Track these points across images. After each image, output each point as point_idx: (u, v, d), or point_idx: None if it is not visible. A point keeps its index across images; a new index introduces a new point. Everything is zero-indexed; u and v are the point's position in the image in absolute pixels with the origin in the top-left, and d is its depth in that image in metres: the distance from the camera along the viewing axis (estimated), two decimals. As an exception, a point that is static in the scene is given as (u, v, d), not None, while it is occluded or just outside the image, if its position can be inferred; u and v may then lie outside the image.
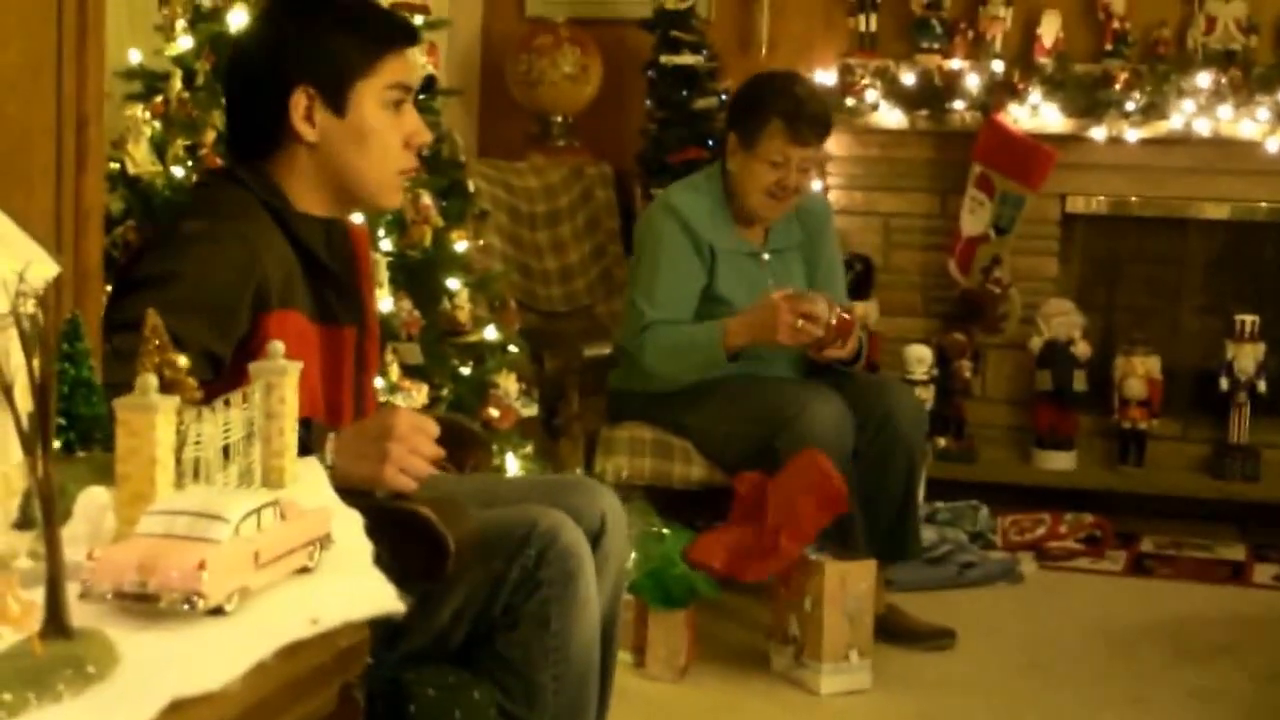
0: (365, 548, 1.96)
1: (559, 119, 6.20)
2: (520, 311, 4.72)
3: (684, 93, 5.88)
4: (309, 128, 2.66)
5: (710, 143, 5.65)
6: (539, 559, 2.70)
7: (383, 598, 1.84)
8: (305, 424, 2.45)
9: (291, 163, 2.70)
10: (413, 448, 2.51)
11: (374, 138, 2.69)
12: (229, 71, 2.80)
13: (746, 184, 4.62)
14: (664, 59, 5.92)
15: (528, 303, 5.11)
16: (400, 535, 2.48)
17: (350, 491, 2.37)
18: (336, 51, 2.67)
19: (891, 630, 4.50)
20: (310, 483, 2.14)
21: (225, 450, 1.95)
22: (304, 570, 1.80)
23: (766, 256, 4.74)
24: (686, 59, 5.91)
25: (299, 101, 2.65)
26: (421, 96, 4.30)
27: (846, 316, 4.48)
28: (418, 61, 3.01)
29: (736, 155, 4.64)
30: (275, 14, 2.78)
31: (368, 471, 2.49)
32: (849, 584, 4.21)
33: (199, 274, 2.53)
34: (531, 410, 4.34)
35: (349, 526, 1.98)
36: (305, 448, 2.38)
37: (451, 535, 2.51)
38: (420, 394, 3.93)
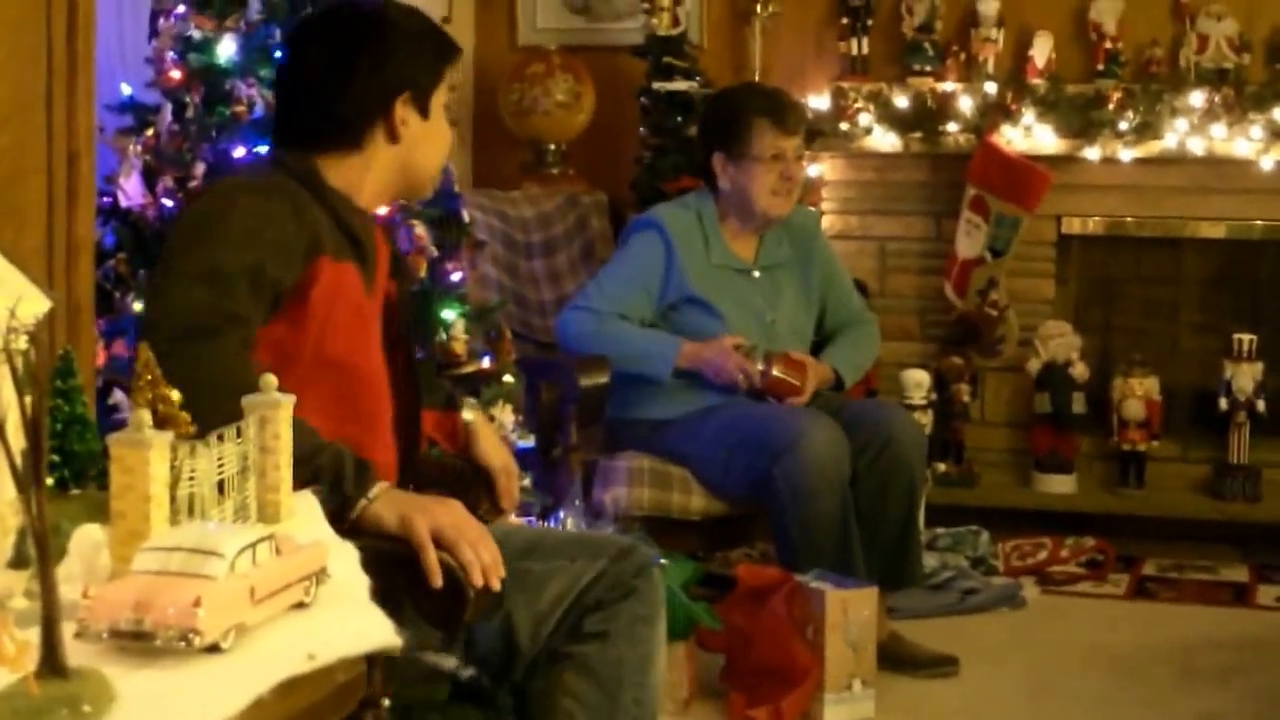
0: (362, 582, 1.95)
1: (553, 147, 6.20)
2: (516, 342, 4.72)
3: (678, 119, 5.89)
4: (404, 129, 2.89)
5: (705, 174, 5.65)
6: (639, 569, 2.87)
7: (380, 632, 1.83)
8: (363, 463, 2.56)
9: (368, 159, 2.89)
10: (454, 523, 2.55)
11: (440, 137, 2.98)
12: (303, 76, 2.92)
13: (751, 190, 4.66)
14: (657, 85, 5.92)
15: (524, 333, 5.11)
16: (419, 579, 2.47)
17: (371, 534, 2.41)
18: (425, 65, 2.93)
19: (894, 658, 4.49)
20: (306, 517, 2.13)
21: (220, 485, 1.94)
22: (300, 605, 1.79)
23: (757, 274, 4.77)
24: (679, 85, 5.92)
25: (400, 109, 2.88)
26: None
27: (779, 376, 4.57)
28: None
29: (728, 171, 4.68)
30: (363, 29, 2.93)
31: (401, 512, 2.53)
32: (851, 612, 4.20)
33: (250, 213, 2.68)
34: (529, 441, 4.34)
35: (345, 561, 1.97)
36: (341, 473, 2.47)
37: (472, 585, 2.49)
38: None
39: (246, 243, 2.62)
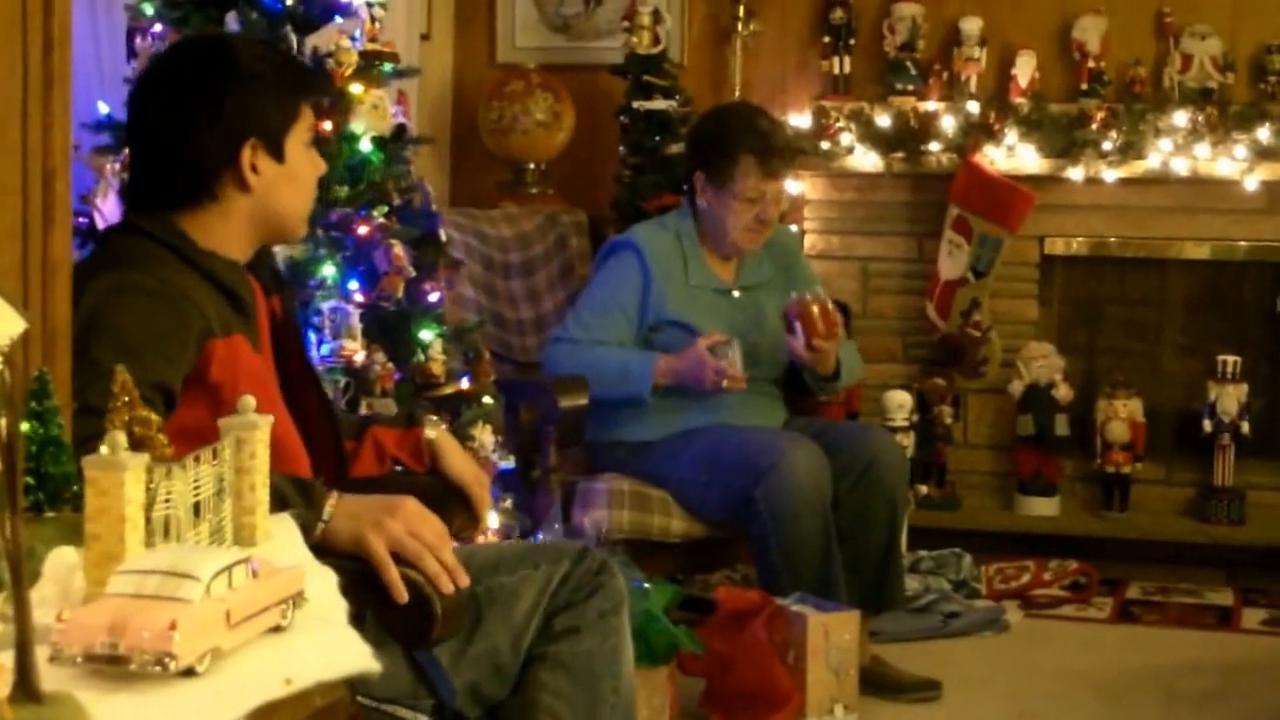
0: (339, 605, 1.95)
1: (532, 166, 6.21)
2: (495, 362, 4.73)
3: (657, 138, 5.89)
4: (255, 176, 2.78)
5: (685, 188, 5.66)
6: (600, 567, 2.88)
7: (357, 656, 1.83)
8: (305, 483, 2.54)
9: (225, 210, 2.79)
10: (411, 530, 2.55)
11: (302, 178, 2.86)
12: (145, 130, 2.85)
13: (725, 222, 4.67)
14: (636, 104, 5.93)
15: (502, 353, 5.11)
16: (387, 598, 2.48)
17: (340, 554, 2.41)
18: (274, 104, 2.81)
19: (876, 682, 4.49)
20: (283, 540, 2.13)
21: (196, 508, 1.94)
22: (277, 629, 1.79)
23: (737, 294, 4.78)
24: (659, 104, 5.92)
25: (246, 155, 2.77)
26: (393, 144, 4.32)
27: (813, 309, 4.61)
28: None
29: (707, 193, 4.69)
30: (198, 73, 2.84)
31: (355, 530, 2.52)
32: (832, 636, 4.20)
33: (128, 319, 2.59)
34: (508, 463, 4.34)
35: (322, 584, 1.97)
36: (287, 501, 2.40)
37: (439, 600, 2.50)
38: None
39: (129, 354, 2.41)
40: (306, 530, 2.41)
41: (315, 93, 2.93)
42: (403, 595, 2.51)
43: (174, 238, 2.75)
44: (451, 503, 2.96)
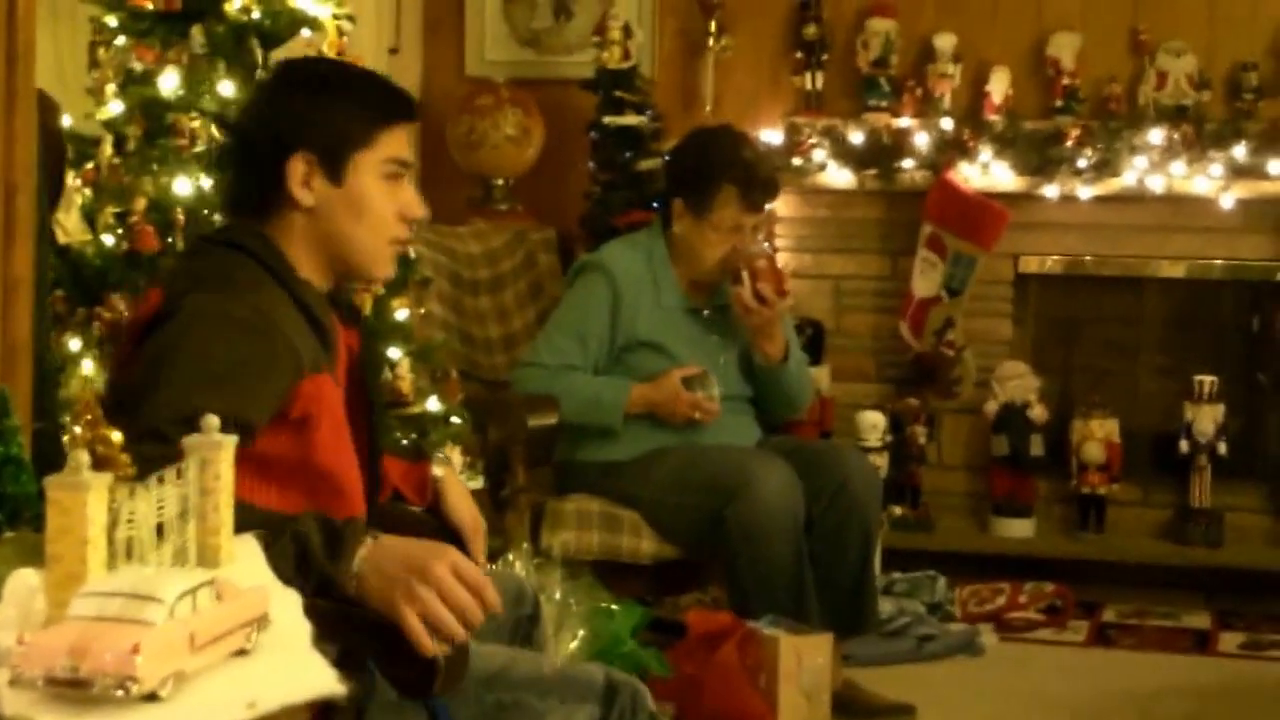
0: (304, 628, 1.95)
1: (501, 182, 6.20)
2: (463, 381, 4.72)
3: (627, 154, 5.90)
4: (306, 193, 2.72)
5: (655, 205, 5.67)
6: (632, 706, 2.70)
7: (322, 680, 1.83)
8: (335, 529, 2.40)
9: (288, 227, 2.75)
10: (447, 594, 2.37)
11: (369, 208, 2.76)
12: (230, 131, 2.86)
13: (701, 252, 4.67)
14: (607, 120, 5.93)
15: (471, 372, 5.11)
16: (390, 648, 2.42)
17: (343, 599, 2.32)
18: (337, 121, 2.74)
19: (849, 707, 4.49)
20: (247, 561, 2.12)
21: (159, 529, 1.93)
22: (241, 652, 1.79)
23: (708, 313, 4.77)
24: (630, 119, 5.93)
25: (296, 167, 2.71)
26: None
27: (764, 266, 4.61)
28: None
29: (685, 220, 4.67)
30: (277, 81, 2.87)
31: (387, 595, 2.35)
32: (805, 659, 4.19)
33: (220, 348, 2.54)
34: (476, 483, 4.33)
35: (287, 607, 1.97)
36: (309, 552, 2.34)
37: (442, 654, 2.45)
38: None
39: (211, 383, 2.45)
40: (330, 582, 2.32)
41: (398, 119, 2.83)
42: (430, 650, 2.36)
43: (272, 258, 2.71)
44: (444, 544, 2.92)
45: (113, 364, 2.63)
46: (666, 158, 5.14)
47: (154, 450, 2.15)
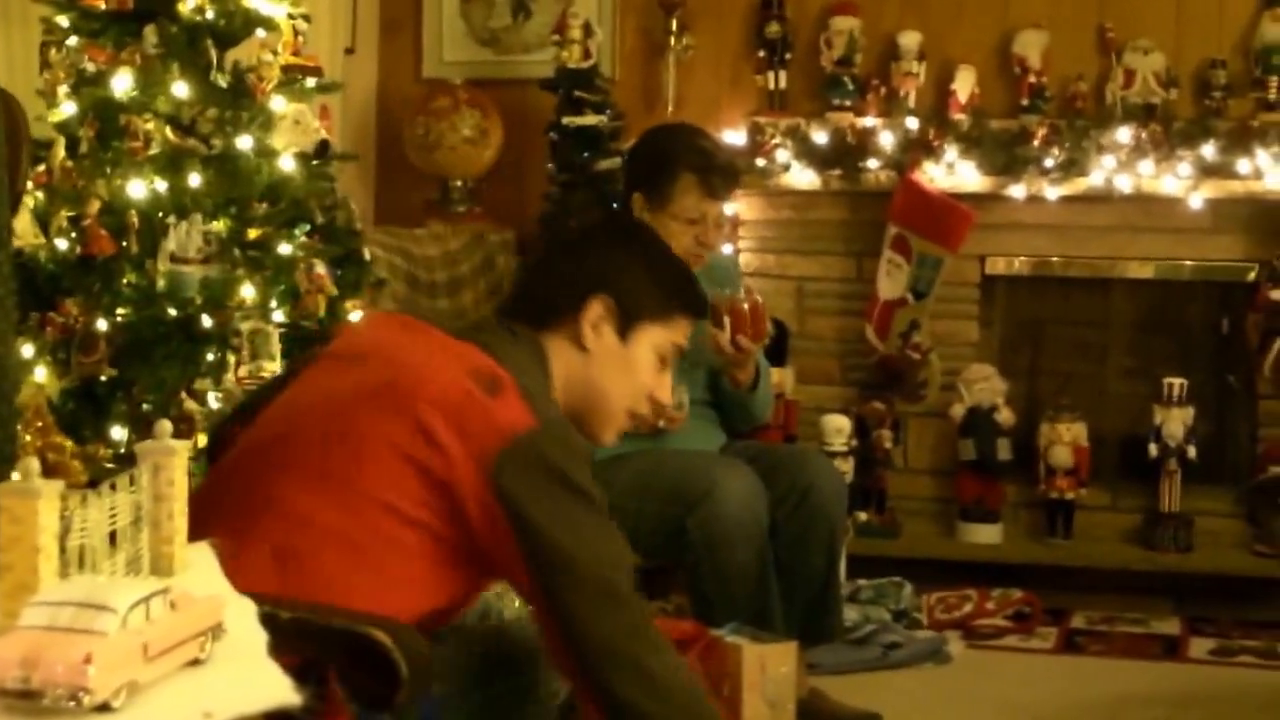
0: (260, 637, 1.95)
1: (458, 184, 6.21)
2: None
3: (587, 154, 5.91)
4: (593, 335, 2.84)
5: (615, 205, 5.68)
6: None
7: (278, 689, 1.83)
8: None
9: (558, 352, 2.85)
10: None
11: (635, 374, 2.90)
12: (549, 246, 3.00)
13: (668, 241, 4.65)
14: (566, 120, 5.95)
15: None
16: (353, 660, 2.46)
17: (306, 607, 2.39)
18: (649, 287, 2.90)
19: (815, 715, 4.47)
20: (201, 570, 2.13)
21: (112, 537, 1.94)
22: (195, 662, 1.80)
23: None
24: (590, 120, 5.94)
25: (596, 308, 2.84)
26: (315, 162, 4.32)
27: (741, 309, 4.60)
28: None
29: (645, 214, 4.67)
30: (614, 228, 3.15)
31: None
32: (769, 668, 4.19)
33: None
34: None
35: (242, 615, 1.98)
36: None
37: (406, 662, 2.49)
38: None
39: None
40: None
41: (693, 314, 3.00)
42: None
43: (547, 377, 2.81)
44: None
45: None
46: (624, 156, 5.13)
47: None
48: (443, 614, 2.67)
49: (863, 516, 5.96)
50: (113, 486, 1.95)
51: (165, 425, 2.08)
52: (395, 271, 5.24)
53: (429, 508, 2.54)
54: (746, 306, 4.60)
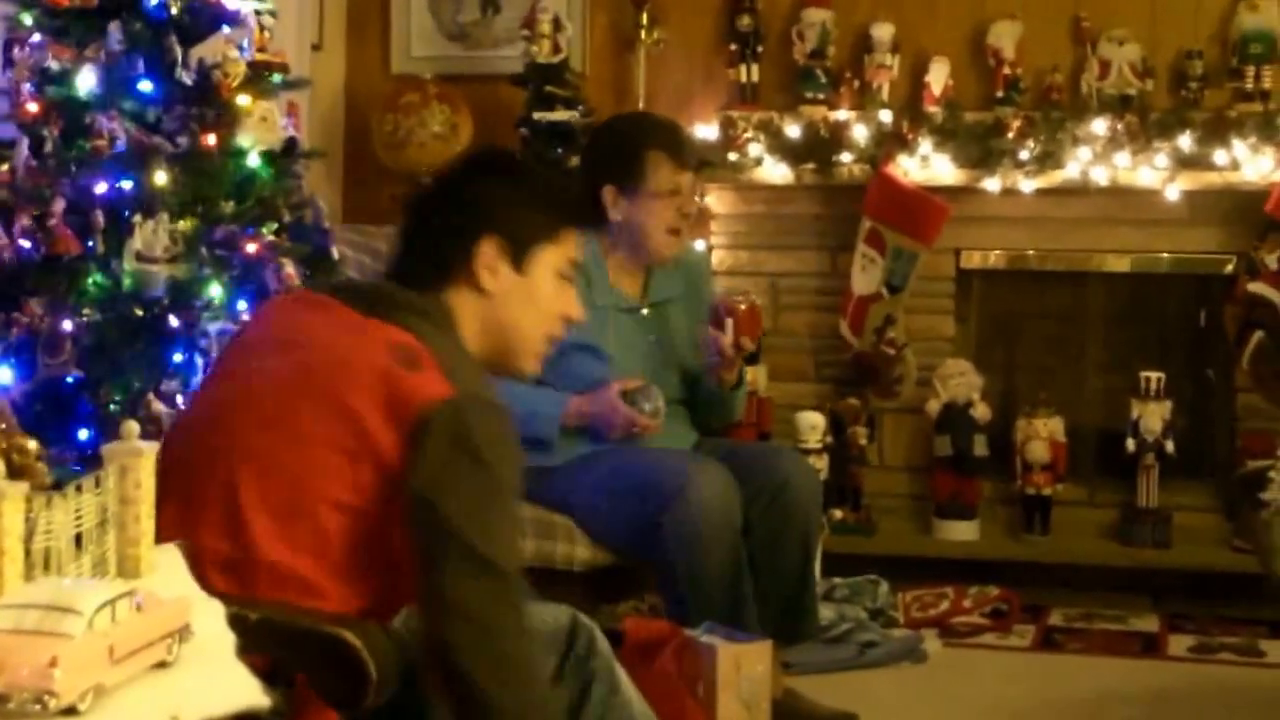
0: (227, 639, 1.97)
1: (428, 180, 6.20)
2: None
3: (559, 150, 5.92)
4: (490, 277, 2.85)
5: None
6: (587, 651, 2.93)
7: (246, 691, 1.84)
8: None
9: (461, 305, 2.85)
10: None
11: (541, 301, 2.93)
12: (419, 202, 2.96)
13: (647, 226, 4.64)
14: (537, 115, 5.95)
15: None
16: (322, 660, 2.48)
17: (274, 608, 2.41)
18: (530, 212, 2.90)
19: (790, 715, 4.48)
20: (168, 572, 2.14)
21: (78, 539, 1.95)
22: (162, 665, 1.81)
23: (645, 311, 4.77)
24: (560, 115, 5.95)
25: (487, 250, 2.84)
26: (282, 159, 4.32)
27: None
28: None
29: (620, 204, 4.66)
30: (477, 165, 3.00)
31: None
32: (744, 667, 4.20)
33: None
34: (405, 490, 4.33)
35: (209, 617, 1.99)
36: None
37: (374, 662, 2.50)
38: None
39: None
40: None
41: (580, 222, 3.02)
42: None
43: (459, 339, 2.83)
44: None
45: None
46: (584, 154, 5.12)
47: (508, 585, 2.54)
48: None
49: (838, 514, 5.98)
50: (78, 488, 1.96)
51: (132, 427, 2.10)
52: (364, 270, 5.22)
53: (370, 494, 2.56)
54: (746, 308, 4.65)
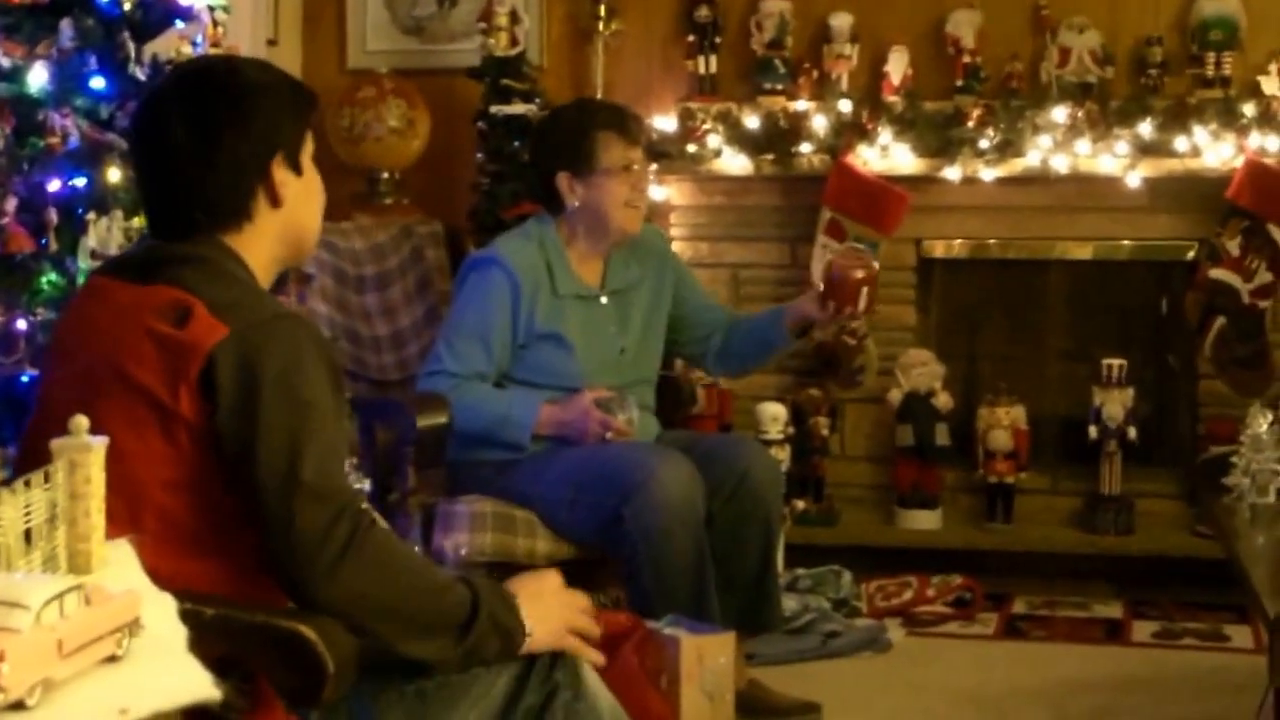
0: (179, 633, 1.97)
1: (386, 175, 6.21)
2: (350, 380, 4.72)
3: (516, 143, 5.92)
4: (285, 191, 2.84)
5: (540, 197, 5.67)
6: (554, 657, 2.87)
7: (197, 685, 1.85)
8: (505, 595, 2.76)
9: (259, 230, 2.84)
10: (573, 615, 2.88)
11: (317, 190, 2.94)
12: (170, 154, 2.84)
13: (605, 206, 4.65)
14: (494, 109, 5.95)
15: (357, 371, 5.11)
16: (278, 655, 2.48)
17: (228, 602, 2.40)
18: (289, 118, 2.89)
19: (754, 706, 4.50)
20: (120, 566, 2.14)
21: (27, 534, 1.95)
22: (112, 659, 1.81)
23: (605, 299, 4.77)
24: (518, 108, 5.95)
25: (278, 170, 2.84)
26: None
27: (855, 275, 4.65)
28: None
29: (576, 189, 4.67)
30: (218, 91, 2.88)
31: (556, 638, 2.82)
32: (707, 659, 4.20)
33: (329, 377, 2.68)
34: (364, 485, 4.33)
35: (160, 610, 1.99)
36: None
37: (332, 656, 2.50)
38: None
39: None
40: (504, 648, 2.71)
41: (316, 107, 3.01)
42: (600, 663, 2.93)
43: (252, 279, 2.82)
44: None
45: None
46: (534, 148, 5.11)
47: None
48: None
49: (800, 505, 5.98)
50: (27, 484, 1.96)
51: (81, 422, 2.10)
52: (322, 266, 5.22)
53: (196, 463, 2.55)
54: (863, 277, 4.68)
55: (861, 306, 4.67)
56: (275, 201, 2.83)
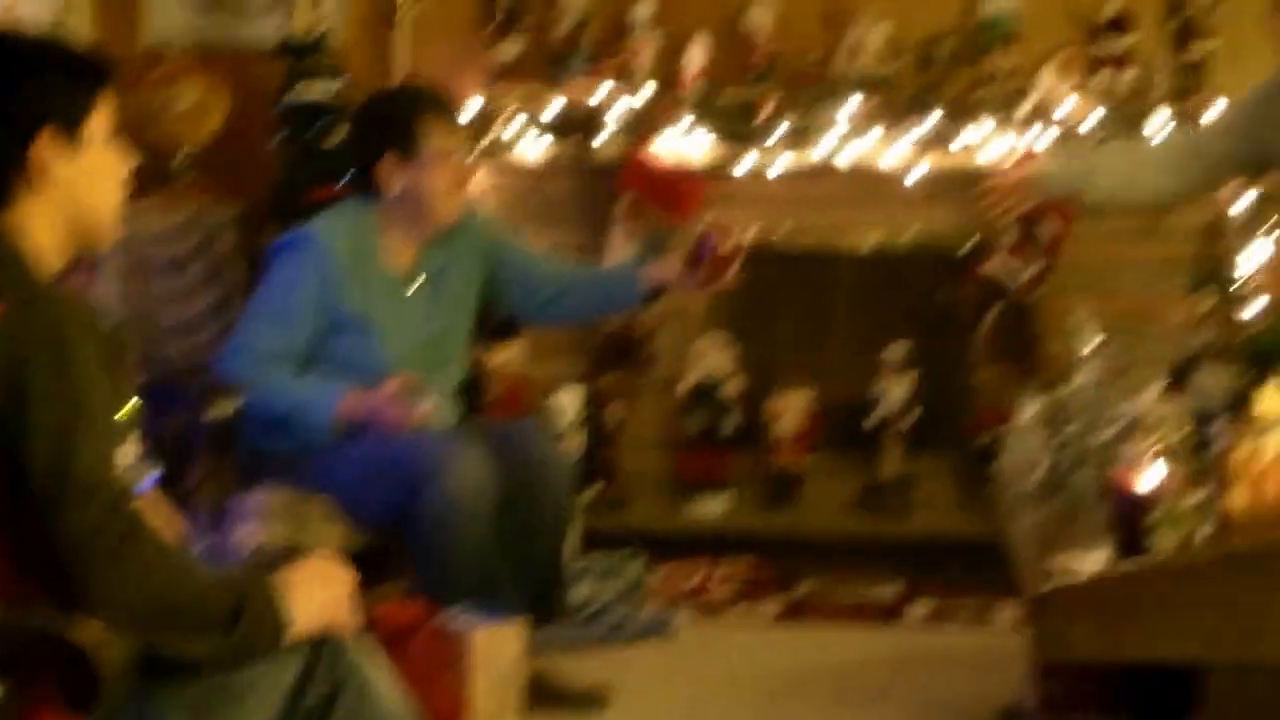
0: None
1: (180, 157, 6.13)
2: (141, 366, 4.66)
3: (317, 126, 5.88)
4: (56, 168, 2.71)
5: (352, 178, 5.64)
6: (335, 656, 2.80)
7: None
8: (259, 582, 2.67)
9: (35, 209, 2.72)
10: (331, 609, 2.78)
11: (109, 171, 2.80)
12: None
13: (429, 190, 4.62)
14: (294, 91, 5.91)
15: (148, 356, 5.06)
16: (54, 661, 2.44)
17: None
18: (68, 89, 2.74)
19: (542, 695, 4.53)
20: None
21: None
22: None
23: (417, 283, 4.73)
24: (318, 91, 5.91)
25: (46, 141, 2.70)
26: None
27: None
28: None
29: (402, 173, 4.61)
30: None
31: (323, 622, 2.75)
32: (496, 649, 4.19)
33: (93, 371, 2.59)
34: (152, 474, 4.30)
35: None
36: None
37: (108, 661, 2.49)
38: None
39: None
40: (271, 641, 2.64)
41: (106, 79, 2.82)
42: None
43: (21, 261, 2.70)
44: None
45: None
46: (353, 132, 5.09)
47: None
48: None
49: (591, 492, 6.01)
50: None
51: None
52: (113, 249, 5.18)
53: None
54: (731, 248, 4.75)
55: (729, 278, 4.73)
56: (45, 180, 2.70)
